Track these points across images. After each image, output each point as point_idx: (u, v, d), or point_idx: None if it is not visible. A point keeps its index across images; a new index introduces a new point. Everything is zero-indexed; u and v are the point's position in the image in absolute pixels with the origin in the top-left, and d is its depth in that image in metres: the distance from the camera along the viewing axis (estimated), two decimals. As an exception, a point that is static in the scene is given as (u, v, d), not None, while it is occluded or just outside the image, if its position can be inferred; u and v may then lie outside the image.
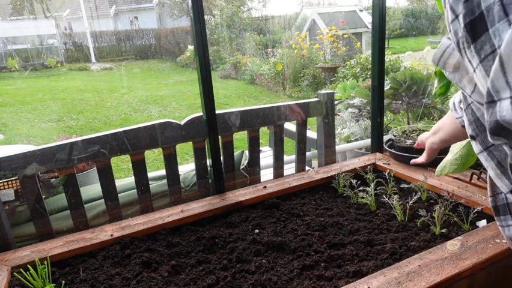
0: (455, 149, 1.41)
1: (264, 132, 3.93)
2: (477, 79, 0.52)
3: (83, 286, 1.18)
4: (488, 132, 0.49)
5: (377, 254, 1.24)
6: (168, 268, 1.23)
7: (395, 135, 1.94)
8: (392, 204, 1.46)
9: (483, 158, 0.63)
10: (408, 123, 2.86)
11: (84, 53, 13.60)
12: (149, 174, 1.77)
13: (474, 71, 0.51)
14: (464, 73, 0.66)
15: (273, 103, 2.04)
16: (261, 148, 2.81)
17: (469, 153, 1.35)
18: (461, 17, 0.49)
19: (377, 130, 2.01)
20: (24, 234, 1.64)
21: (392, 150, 1.89)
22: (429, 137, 1.21)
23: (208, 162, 1.75)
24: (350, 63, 6.66)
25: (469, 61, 0.51)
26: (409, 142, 1.83)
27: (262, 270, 1.19)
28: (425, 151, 1.25)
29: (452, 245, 1.19)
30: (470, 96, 0.65)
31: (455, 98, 1.07)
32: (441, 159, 1.44)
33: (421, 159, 1.29)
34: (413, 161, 1.36)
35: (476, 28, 0.47)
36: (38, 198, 1.53)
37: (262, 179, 2.00)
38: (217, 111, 1.68)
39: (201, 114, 1.69)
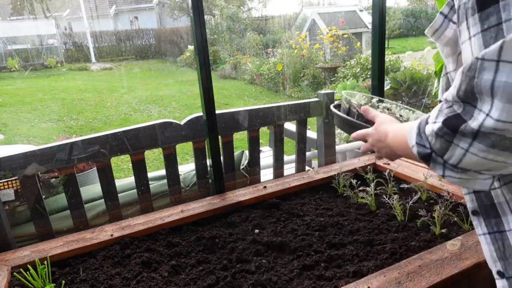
0: None
1: (264, 132, 3.93)
2: (468, 47, 0.53)
3: (83, 286, 1.18)
4: (454, 93, 0.54)
5: (377, 254, 1.24)
6: (168, 268, 1.23)
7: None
8: (392, 204, 1.46)
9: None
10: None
11: (84, 53, 13.60)
12: (149, 174, 1.77)
13: (469, 38, 0.52)
14: (453, 52, 0.71)
15: (273, 103, 2.04)
16: (261, 148, 2.81)
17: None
18: None
19: (377, 130, 2.01)
20: (24, 234, 1.64)
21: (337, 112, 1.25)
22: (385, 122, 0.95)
23: (208, 162, 1.75)
24: (350, 63, 6.66)
25: (467, 28, 0.52)
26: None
27: (262, 270, 1.19)
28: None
29: (452, 245, 1.19)
30: (448, 73, 0.74)
31: None
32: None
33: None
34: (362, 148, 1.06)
35: None
36: (38, 198, 1.53)
37: (262, 179, 2.00)
38: (217, 111, 1.67)
39: (201, 114, 1.69)
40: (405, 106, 1.55)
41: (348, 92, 1.39)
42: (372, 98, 1.52)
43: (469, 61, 0.52)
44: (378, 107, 1.50)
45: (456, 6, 0.56)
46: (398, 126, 0.85)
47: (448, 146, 0.58)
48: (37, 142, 6.13)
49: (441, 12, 0.70)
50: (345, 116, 1.24)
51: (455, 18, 0.69)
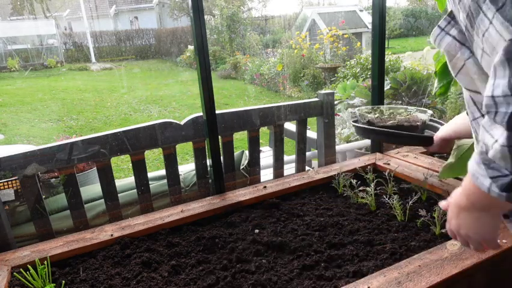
0: (457, 153, 1.42)
1: (264, 132, 3.93)
2: (493, 32, 0.52)
3: (83, 286, 1.18)
4: (506, 86, 0.50)
5: (377, 254, 1.24)
6: (168, 268, 1.23)
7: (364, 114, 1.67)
8: (392, 204, 1.46)
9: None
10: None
11: (84, 53, 13.60)
12: (149, 174, 1.77)
13: (490, 23, 0.51)
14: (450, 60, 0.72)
15: (273, 103, 2.04)
16: (261, 148, 2.81)
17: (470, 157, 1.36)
18: None
19: (377, 130, 2.01)
20: (24, 234, 1.64)
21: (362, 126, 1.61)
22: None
23: (208, 162, 1.75)
24: (350, 63, 6.65)
25: (485, 15, 0.52)
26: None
27: (262, 270, 1.19)
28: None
29: (452, 245, 1.19)
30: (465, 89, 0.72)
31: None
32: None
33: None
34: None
35: None
36: (38, 198, 1.53)
37: (262, 179, 2.00)
38: (217, 111, 1.67)
39: (201, 114, 1.69)
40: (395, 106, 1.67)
41: (360, 109, 1.56)
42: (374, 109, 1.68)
43: (503, 45, 0.50)
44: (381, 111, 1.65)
45: (466, 11, 0.57)
46: (459, 188, 0.74)
47: None
48: (37, 142, 6.12)
49: (438, 25, 0.73)
50: (383, 129, 1.46)
51: (452, 31, 0.71)
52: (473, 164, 0.60)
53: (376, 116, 1.62)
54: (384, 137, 1.54)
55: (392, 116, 1.63)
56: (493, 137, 0.54)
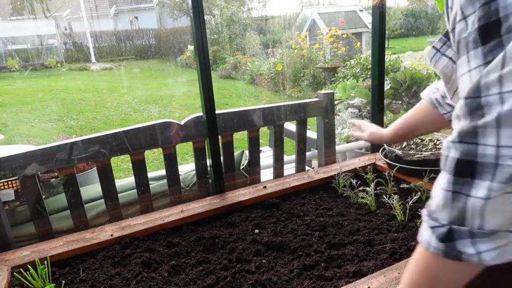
0: None
1: (264, 132, 3.93)
2: (467, 79, 0.51)
3: (83, 286, 1.18)
4: (464, 113, 0.49)
5: (377, 254, 1.24)
6: (168, 268, 1.23)
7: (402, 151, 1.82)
8: (392, 204, 1.46)
9: None
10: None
11: (84, 53, 13.60)
12: (149, 174, 1.77)
13: (469, 71, 0.51)
14: (446, 82, 0.73)
15: (273, 103, 2.04)
16: (261, 148, 2.81)
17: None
18: (472, 18, 0.49)
19: (377, 130, 2.01)
20: (24, 234, 1.64)
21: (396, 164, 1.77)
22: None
23: (208, 162, 1.75)
24: (350, 63, 6.65)
25: (467, 61, 0.51)
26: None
27: (262, 270, 1.19)
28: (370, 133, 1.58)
29: (452, 245, 1.19)
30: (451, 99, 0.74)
31: (435, 94, 1.18)
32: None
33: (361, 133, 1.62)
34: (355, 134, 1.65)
35: (489, 32, 0.47)
36: (38, 198, 1.53)
37: (262, 179, 2.00)
38: (217, 111, 1.67)
39: (201, 114, 1.69)
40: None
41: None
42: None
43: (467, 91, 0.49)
44: None
45: (455, 41, 0.55)
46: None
47: (464, 205, 0.48)
48: (37, 142, 6.13)
49: (433, 46, 0.73)
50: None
51: (448, 52, 0.71)
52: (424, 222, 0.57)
53: (403, 148, 1.85)
54: (412, 171, 1.72)
55: (419, 149, 1.80)
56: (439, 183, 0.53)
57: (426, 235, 0.55)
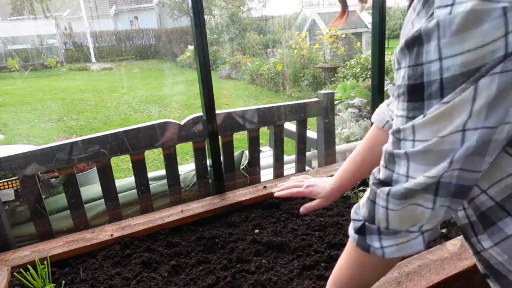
0: None
1: (264, 132, 3.93)
2: (395, 119, 0.57)
3: (83, 286, 1.18)
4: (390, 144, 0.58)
5: (377, 254, 1.23)
6: (168, 268, 1.23)
7: None
8: (392, 204, 1.46)
9: None
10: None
11: (84, 53, 13.61)
12: (149, 174, 1.76)
13: (396, 116, 0.56)
14: None
15: (273, 103, 2.04)
16: (261, 148, 2.81)
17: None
18: (403, 73, 0.53)
19: (377, 130, 2.01)
20: (24, 234, 1.64)
21: None
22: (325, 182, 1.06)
23: (208, 162, 1.75)
24: (350, 63, 6.65)
25: (397, 107, 0.56)
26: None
27: (262, 270, 1.19)
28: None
29: (452, 245, 1.19)
30: None
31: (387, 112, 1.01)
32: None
33: (316, 203, 1.08)
34: (305, 206, 1.10)
35: (415, 93, 0.51)
36: (38, 198, 1.53)
37: (262, 179, 2.00)
38: (217, 111, 1.67)
39: (201, 114, 1.69)
40: None
41: None
42: None
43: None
44: None
45: (395, 83, 0.59)
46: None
47: (374, 210, 0.59)
48: (37, 142, 6.13)
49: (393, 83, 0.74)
50: None
51: None
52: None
53: None
54: None
55: None
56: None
57: (350, 225, 0.66)
